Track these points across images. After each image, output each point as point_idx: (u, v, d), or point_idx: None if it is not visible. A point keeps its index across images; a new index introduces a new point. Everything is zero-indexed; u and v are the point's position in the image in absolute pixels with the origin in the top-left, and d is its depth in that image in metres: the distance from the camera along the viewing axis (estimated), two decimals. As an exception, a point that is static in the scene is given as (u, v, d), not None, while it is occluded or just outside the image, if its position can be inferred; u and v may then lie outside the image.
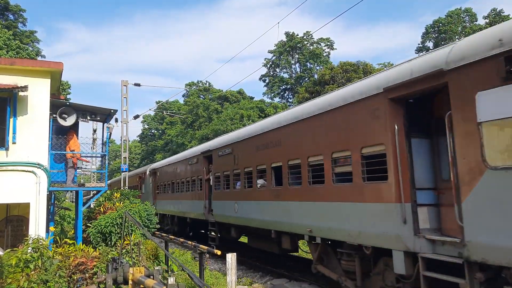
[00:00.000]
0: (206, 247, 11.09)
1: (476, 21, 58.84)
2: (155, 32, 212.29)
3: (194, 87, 71.32)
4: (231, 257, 10.29)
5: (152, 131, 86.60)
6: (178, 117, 66.60)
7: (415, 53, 60.52)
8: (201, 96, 70.85)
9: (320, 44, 67.13)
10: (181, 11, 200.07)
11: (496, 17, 53.26)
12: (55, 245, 11.41)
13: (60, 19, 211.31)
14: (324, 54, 66.63)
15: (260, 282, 12.37)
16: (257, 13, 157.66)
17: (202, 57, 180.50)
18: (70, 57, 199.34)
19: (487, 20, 54.63)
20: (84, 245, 11.60)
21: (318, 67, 63.14)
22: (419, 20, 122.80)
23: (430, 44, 59.31)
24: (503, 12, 54.62)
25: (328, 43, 67.33)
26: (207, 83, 73.04)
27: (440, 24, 58.68)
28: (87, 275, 9.93)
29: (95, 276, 9.65)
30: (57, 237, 12.50)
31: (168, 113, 60.63)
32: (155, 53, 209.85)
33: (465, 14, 60.21)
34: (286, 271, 13.49)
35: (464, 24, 59.17)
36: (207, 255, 11.32)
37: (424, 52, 6.08)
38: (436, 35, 59.12)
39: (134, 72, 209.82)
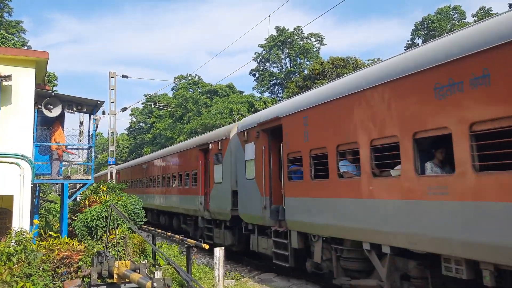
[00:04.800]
0: (194, 241, 10.97)
1: (464, 19, 59.32)
2: (145, 24, 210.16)
3: (183, 80, 70.79)
4: (219, 251, 10.19)
5: (140, 125, 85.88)
6: (167, 111, 66.13)
7: (404, 49, 60.80)
8: (190, 89, 70.37)
9: (310, 39, 67.11)
10: (171, 2, 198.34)
11: (484, 15, 53.70)
12: (39, 238, 11.19)
13: (47, 9, 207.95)
14: (314, 49, 66.63)
15: (248, 277, 12.30)
16: (249, 6, 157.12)
17: (193, 49, 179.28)
18: (58, 48, 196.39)
19: (476, 18, 55.09)
20: (69, 238, 11.39)
21: (308, 62, 63.13)
22: (409, 16, 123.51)
23: (419, 41, 59.63)
24: (491, 10, 55.15)
25: (319, 38, 67.34)
26: (197, 77, 72.58)
27: (430, 21, 59.03)
28: (71, 268, 9.74)
29: (80, 270, 9.48)
30: (42, 230, 12.27)
31: (157, 106, 60.13)
32: (144, 45, 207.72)
33: (454, 11, 60.63)
34: (274, 265, 13.43)
35: (453, 21, 59.59)
36: (195, 249, 11.21)
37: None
38: (426, 32, 59.44)
39: (122, 64, 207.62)
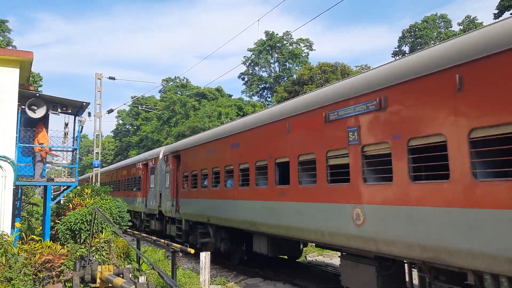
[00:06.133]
0: (179, 246, 10.85)
1: (451, 27, 60.18)
2: (135, 25, 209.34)
3: (171, 82, 70.45)
4: (205, 256, 10.10)
5: (127, 127, 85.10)
6: (154, 113, 65.68)
7: (392, 56, 61.45)
8: (178, 92, 70.05)
9: (299, 45, 67.40)
10: (162, 5, 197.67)
11: (470, 24, 54.61)
12: (20, 242, 10.97)
13: (33, 8, 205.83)
14: (303, 55, 66.93)
15: (234, 282, 12.21)
16: (239, 10, 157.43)
17: (183, 52, 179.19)
18: (44, 48, 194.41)
19: (461, 27, 55.98)
20: (51, 242, 11.18)
21: (297, 67, 63.35)
22: (397, 23, 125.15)
23: (406, 48, 60.33)
24: (477, 20, 56.08)
25: (308, 44, 67.68)
26: (185, 79, 72.34)
27: (416, 29, 59.71)
28: (53, 273, 9.56)
29: (62, 274, 9.30)
30: (23, 234, 12.02)
31: (144, 109, 59.67)
32: (132, 47, 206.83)
33: (440, 20, 61.47)
34: (260, 270, 13.38)
35: (439, 29, 60.41)
36: (180, 254, 11.08)
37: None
38: (412, 39, 60.13)
39: (110, 65, 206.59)
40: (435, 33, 58.80)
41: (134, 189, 24.72)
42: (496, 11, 37.36)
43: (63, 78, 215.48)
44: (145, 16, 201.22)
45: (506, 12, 35.77)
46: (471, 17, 57.04)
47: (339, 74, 37.81)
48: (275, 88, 59.59)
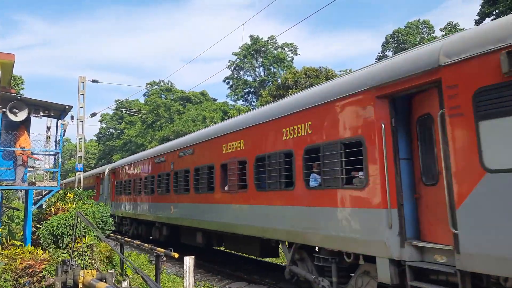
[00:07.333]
0: (163, 250, 10.78)
1: (433, 33, 61.27)
2: (119, 29, 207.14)
3: (156, 86, 70.09)
4: (189, 260, 10.03)
5: (110, 131, 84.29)
6: (138, 117, 65.22)
7: (375, 61, 62.21)
8: (163, 96, 69.72)
9: (284, 49, 67.81)
10: (147, 8, 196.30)
11: (452, 30, 55.68)
12: (1, 247, 10.77)
13: (15, 10, 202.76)
14: (288, 59, 67.34)
15: (218, 286, 12.17)
16: (224, 14, 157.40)
17: (167, 56, 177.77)
18: (26, 50, 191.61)
19: (444, 33, 57.05)
20: (33, 247, 11.00)
21: (281, 72, 63.68)
22: (381, 29, 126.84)
23: (390, 53, 61.14)
24: (459, 26, 57.25)
25: (292, 48, 68.13)
26: (169, 83, 72.01)
27: (400, 34, 60.65)
28: (35, 278, 9.41)
29: (44, 280, 9.16)
30: (4, 239, 11.80)
31: (128, 112, 59.20)
32: (117, 50, 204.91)
33: (423, 25, 62.59)
34: (245, 274, 13.37)
35: (422, 35, 61.46)
36: (164, 258, 11.00)
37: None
38: (396, 44, 61.01)
39: (94, 68, 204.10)
40: (418, 39, 59.80)
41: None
42: (477, 18, 38.21)
43: (46, 81, 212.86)
44: (129, 19, 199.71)
45: (487, 18, 36.57)
46: (453, 23, 58.26)
47: (324, 78, 38.14)
48: (259, 92, 59.76)
